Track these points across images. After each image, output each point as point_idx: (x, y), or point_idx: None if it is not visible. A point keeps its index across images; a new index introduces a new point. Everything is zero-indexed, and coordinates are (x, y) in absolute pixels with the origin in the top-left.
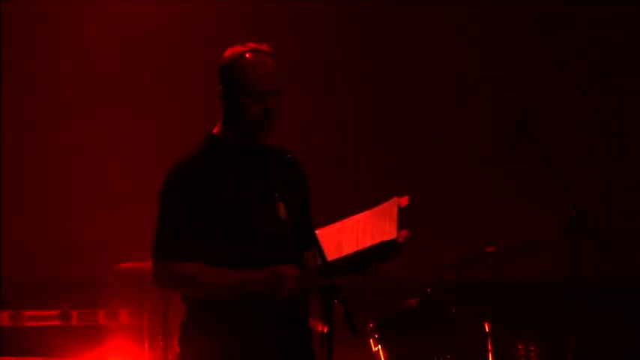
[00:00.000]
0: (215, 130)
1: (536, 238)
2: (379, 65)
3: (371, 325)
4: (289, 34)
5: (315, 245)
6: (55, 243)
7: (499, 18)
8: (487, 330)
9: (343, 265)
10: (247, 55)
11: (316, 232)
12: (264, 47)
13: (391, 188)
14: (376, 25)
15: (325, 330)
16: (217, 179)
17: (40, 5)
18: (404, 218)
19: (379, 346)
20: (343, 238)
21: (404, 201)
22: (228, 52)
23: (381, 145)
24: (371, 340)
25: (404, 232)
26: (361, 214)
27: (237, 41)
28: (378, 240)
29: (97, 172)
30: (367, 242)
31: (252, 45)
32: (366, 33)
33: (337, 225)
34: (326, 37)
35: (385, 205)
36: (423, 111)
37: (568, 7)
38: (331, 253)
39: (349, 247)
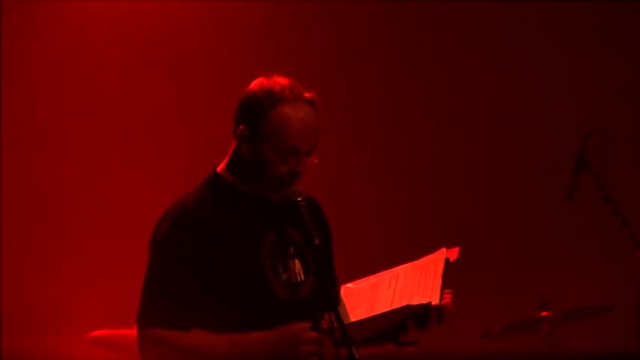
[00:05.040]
0: (220, 169)
1: (603, 301)
2: (416, 99)
3: None
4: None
5: (333, 307)
6: (14, 309)
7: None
8: None
9: (369, 331)
10: (286, 105)
11: (347, 286)
12: (307, 94)
13: (429, 241)
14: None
15: None
16: (221, 230)
17: (41, 7)
18: (451, 275)
19: None
20: (378, 296)
21: (453, 254)
22: (260, 89)
23: (418, 191)
24: None
25: (447, 296)
26: (402, 266)
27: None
28: (415, 301)
29: (62, 225)
30: (402, 303)
31: (291, 86)
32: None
33: (373, 279)
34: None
35: (431, 257)
36: (465, 150)
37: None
38: (361, 313)
39: (383, 307)
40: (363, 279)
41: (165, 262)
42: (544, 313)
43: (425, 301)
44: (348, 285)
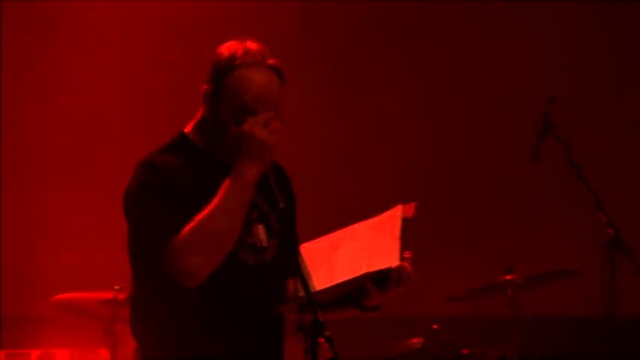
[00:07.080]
0: (187, 130)
1: (565, 265)
2: (385, 60)
3: None
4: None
5: (298, 273)
6: None
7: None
8: None
9: (329, 296)
10: (246, 68)
11: (304, 245)
12: (271, 61)
13: (391, 203)
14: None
15: None
16: (185, 190)
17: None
18: (417, 241)
19: None
20: (337, 257)
21: (409, 210)
22: (226, 52)
23: (382, 153)
24: None
25: (407, 257)
26: (358, 224)
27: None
28: (376, 266)
29: (28, 190)
30: (363, 268)
31: (256, 50)
32: (375, 29)
33: (329, 238)
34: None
35: (386, 215)
36: (428, 112)
37: None
38: (322, 275)
39: (343, 271)
40: (320, 238)
41: (151, 193)
42: (508, 277)
43: (385, 266)
44: (305, 244)
